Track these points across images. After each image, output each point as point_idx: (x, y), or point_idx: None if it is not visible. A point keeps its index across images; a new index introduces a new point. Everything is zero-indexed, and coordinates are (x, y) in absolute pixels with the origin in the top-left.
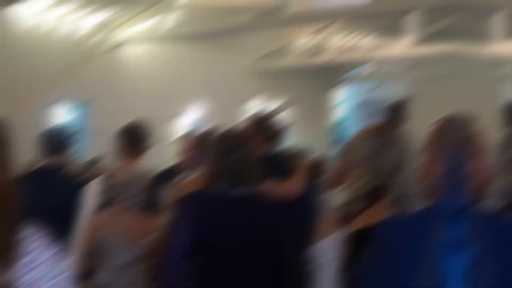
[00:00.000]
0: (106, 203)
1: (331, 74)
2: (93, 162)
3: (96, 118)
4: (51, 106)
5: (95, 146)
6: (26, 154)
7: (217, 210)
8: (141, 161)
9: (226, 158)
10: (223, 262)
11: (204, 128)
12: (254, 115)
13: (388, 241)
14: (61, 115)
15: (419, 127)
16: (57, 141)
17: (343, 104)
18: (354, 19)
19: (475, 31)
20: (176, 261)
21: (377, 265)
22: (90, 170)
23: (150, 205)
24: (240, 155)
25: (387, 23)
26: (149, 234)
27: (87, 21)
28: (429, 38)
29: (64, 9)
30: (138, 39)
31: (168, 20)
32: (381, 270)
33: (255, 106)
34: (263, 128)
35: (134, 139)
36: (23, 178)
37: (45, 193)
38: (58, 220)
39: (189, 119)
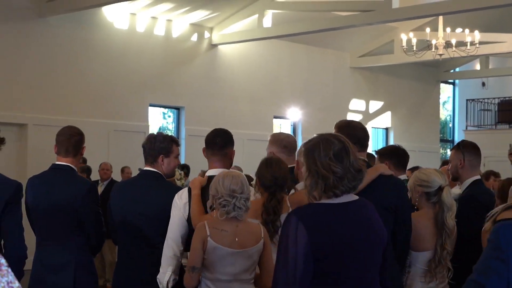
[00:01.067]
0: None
1: (437, 71)
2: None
3: (190, 121)
4: (148, 108)
5: (191, 149)
6: (123, 157)
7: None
8: (226, 164)
9: (337, 165)
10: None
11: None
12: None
13: None
14: (157, 117)
15: None
16: (158, 147)
17: (450, 102)
18: (460, 13)
19: None
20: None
21: None
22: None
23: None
24: (349, 162)
25: (495, 17)
26: (256, 242)
27: (182, 22)
28: None
29: (159, 9)
30: (235, 38)
31: (266, 19)
32: None
33: (357, 105)
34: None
35: (214, 143)
36: (126, 182)
37: (146, 198)
38: (157, 225)
39: (291, 120)
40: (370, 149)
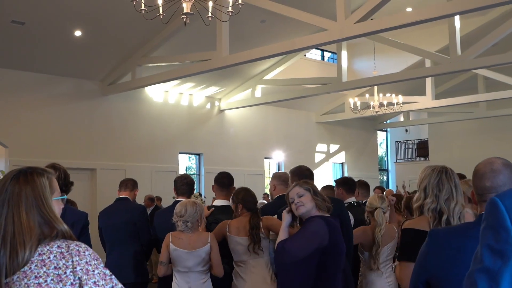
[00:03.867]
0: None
1: (375, 123)
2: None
3: (207, 163)
4: (178, 155)
5: (209, 182)
6: (161, 190)
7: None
8: (228, 197)
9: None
10: None
11: (287, 168)
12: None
13: None
14: (184, 161)
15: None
16: (186, 184)
17: (384, 143)
18: (388, 84)
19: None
20: None
21: None
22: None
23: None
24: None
25: (412, 86)
26: (203, 245)
27: (200, 95)
28: (440, 95)
29: (184, 87)
30: (236, 105)
31: (257, 91)
32: None
33: (321, 147)
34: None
35: (222, 182)
36: (165, 210)
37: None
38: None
39: (275, 159)
40: (331, 179)
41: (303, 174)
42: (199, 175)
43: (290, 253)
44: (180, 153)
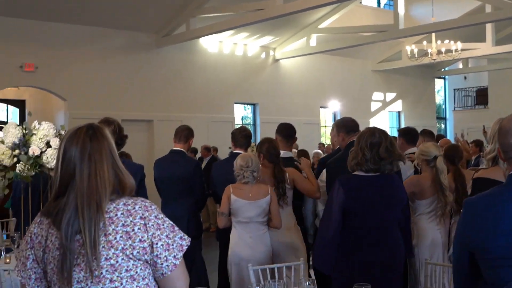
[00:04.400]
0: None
1: (432, 70)
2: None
3: (262, 113)
4: (233, 105)
5: (264, 132)
6: (217, 141)
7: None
8: (291, 148)
9: (373, 150)
10: (365, 224)
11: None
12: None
13: None
14: (240, 111)
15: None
16: (244, 136)
17: (442, 91)
18: (446, 30)
19: None
20: (331, 225)
21: None
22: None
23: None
24: (377, 153)
25: (471, 32)
26: (264, 196)
27: (254, 45)
28: (501, 40)
29: (238, 37)
30: (291, 54)
31: (312, 40)
32: None
33: (377, 96)
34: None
35: (286, 134)
36: (222, 161)
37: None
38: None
39: (331, 108)
40: (388, 128)
41: (349, 126)
42: (254, 125)
43: None
44: (235, 103)
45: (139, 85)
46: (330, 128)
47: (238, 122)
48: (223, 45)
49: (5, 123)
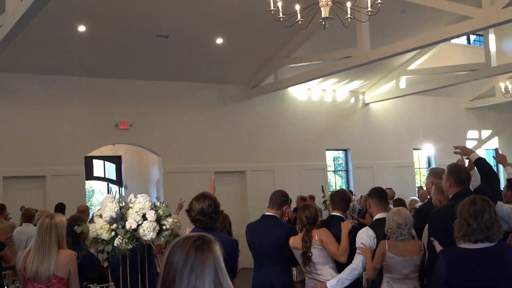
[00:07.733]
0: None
1: None
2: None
3: (354, 158)
4: (325, 152)
5: (357, 178)
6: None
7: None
8: (385, 209)
9: (478, 218)
10: None
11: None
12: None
13: None
14: (331, 157)
15: None
16: (344, 200)
17: None
18: None
19: None
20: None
21: None
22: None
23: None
24: (482, 220)
25: None
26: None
27: (343, 90)
28: None
29: (327, 84)
30: (380, 98)
31: (401, 82)
32: None
33: (471, 134)
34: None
35: (380, 196)
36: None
37: None
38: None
39: (424, 150)
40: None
41: (461, 176)
42: (347, 170)
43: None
44: (326, 149)
45: (230, 137)
46: (425, 170)
47: (330, 169)
48: (312, 93)
49: (104, 179)
